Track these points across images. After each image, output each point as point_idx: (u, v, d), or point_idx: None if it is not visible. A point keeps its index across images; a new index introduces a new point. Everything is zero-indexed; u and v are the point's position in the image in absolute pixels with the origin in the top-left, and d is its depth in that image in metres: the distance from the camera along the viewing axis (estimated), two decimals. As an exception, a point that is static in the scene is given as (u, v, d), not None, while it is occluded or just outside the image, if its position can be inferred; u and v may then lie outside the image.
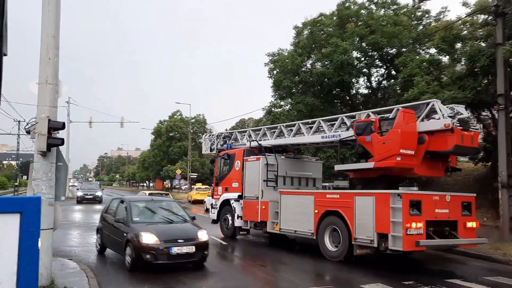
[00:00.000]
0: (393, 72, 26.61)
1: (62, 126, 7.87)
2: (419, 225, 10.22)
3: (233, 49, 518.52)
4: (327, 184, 18.74)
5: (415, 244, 10.06)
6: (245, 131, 17.96)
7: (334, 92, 28.25)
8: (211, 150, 19.18)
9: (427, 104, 11.53)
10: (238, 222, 15.79)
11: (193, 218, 11.38)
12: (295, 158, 16.74)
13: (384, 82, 28.49)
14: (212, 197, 18.23)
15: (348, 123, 12.89)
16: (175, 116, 63.53)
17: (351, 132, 12.38)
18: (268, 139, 16.05)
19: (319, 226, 12.37)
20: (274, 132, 16.15)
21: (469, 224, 11.48)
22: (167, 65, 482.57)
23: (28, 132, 8.15)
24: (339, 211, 11.74)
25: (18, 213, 2.08)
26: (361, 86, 29.88)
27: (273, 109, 29.11)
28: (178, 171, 51.34)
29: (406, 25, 24.67)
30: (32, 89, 8.08)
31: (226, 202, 16.69)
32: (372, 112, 12.78)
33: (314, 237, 12.54)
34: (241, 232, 15.98)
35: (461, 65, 19.92)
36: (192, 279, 9.24)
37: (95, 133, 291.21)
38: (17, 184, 53.05)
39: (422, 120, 11.37)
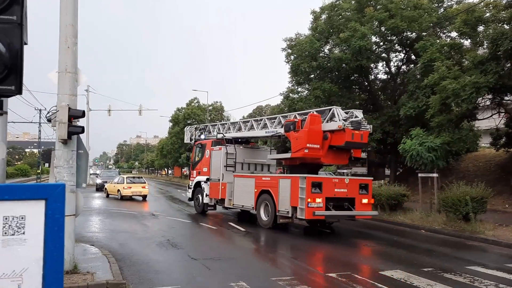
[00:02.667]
0: (413, 57, 26.14)
1: (82, 114, 7.93)
2: (319, 200, 13.54)
3: (250, 35, 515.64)
4: (345, 170, 21.23)
5: (313, 214, 13.39)
6: (215, 125, 21.58)
7: (352, 78, 27.92)
8: (191, 140, 22.89)
9: (330, 109, 14.90)
10: (206, 200, 19.30)
11: None
12: (252, 147, 19.88)
13: (404, 67, 28.02)
14: (189, 179, 22.22)
15: (283, 122, 15.97)
16: (193, 104, 63.49)
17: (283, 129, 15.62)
18: (231, 132, 19.30)
19: (258, 202, 15.86)
20: (236, 126, 19.45)
21: (364, 200, 14.64)
22: (185, 53, 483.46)
23: (49, 121, 8.24)
24: (269, 190, 15.24)
25: (43, 199, 2.12)
26: (379, 72, 29.48)
27: (290, 94, 28.92)
28: (196, 158, 51.60)
29: (426, 8, 24.10)
30: (51, 78, 8.16)
31: (198, 184, 20.12)
32: (298, 114, 15.92)
33: (254, 211, 16.21)
34: (208, 208, 19.38)
35: (483, 49, 19.46)
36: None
37: (114, 121, 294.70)
38: (39, 171, 54.15)
39: (327, 122, 14.59)
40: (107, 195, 29.90)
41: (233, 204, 17.52)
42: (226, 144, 18.41)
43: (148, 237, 13.27)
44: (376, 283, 7.95)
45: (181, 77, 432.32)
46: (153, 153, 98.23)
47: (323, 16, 27.16)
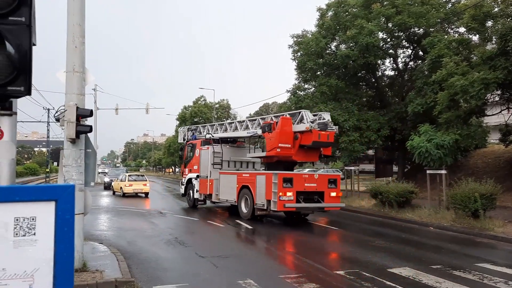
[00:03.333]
0: (421, 53, 25.95)
1: (90, 113, 7.97)
2: (289, 194, 14.98)
3: (250, 35, 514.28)
4: (352, 168, 21.94)
5: (283, 206, 14.91)
6: (205, 126, 23.09)
7: (359, 74, 27.79)
8: (184, 140, 24.46)
9: (299, 112, 16.51)
10: (196, 195, 20.79)
11: None
12: (238, 146, 21.16)
13: (411, 63, 27.83)
14: (182, 176, 23.51)
15: (261, 123, 17.47)
16: (199, 102, 63.54)
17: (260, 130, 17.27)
18: (219, 133, 20.81)
19: (239, 196, 17.33)
20: (223, 127, 21.02)
21: (332, 194, 16.07)
22: (185, 52, 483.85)
23: (57, 120, 8.28)
24: (248, 185, 16.73)
25: (53, 200, 2.14)
26: (387, 68, 29.32)
27: (297, 91, 28.83)
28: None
29: (434, 3, 23.89)
30: (59, 78, 8.21)
31: (190, 181, 21.65)
32: (274, 116, 17.38)
33: (236, 204, 17.48)
34: (199, 203, 20.95)
35: (492, 44, 19.27)
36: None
37: (121, 120, 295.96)
38: (48, 170, 54.55)
39: (297, 123, 16.14)
40: (113, 193, 31.37)
41: (219, 199, 19.05)
42: (214, 144, 20.01)
43: (156, 235, 13.34)
44: (384, 281, 7.94)
45: (181, 77, 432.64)
46: (160, 152, 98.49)
47: (330, 13, 27.02)
